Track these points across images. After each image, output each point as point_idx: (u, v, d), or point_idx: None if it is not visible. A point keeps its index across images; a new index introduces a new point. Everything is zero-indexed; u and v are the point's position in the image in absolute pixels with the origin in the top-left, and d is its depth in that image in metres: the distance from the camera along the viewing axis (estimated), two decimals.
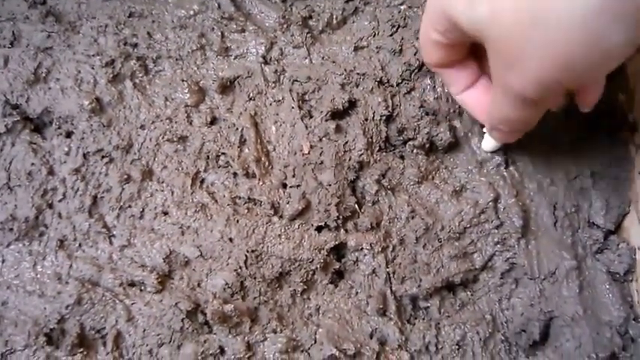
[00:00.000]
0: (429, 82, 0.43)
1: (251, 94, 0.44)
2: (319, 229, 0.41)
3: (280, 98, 0.44)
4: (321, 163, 0.41)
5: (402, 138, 0.43)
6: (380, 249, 0.41)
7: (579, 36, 0.25)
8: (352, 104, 0.43)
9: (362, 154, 0.42)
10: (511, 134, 0.37)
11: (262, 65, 0.45)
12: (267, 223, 0.40)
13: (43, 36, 0.45)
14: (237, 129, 0.43)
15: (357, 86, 0.43)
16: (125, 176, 0.42)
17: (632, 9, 0.24)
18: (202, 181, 0.42)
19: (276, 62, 0.45)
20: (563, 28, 0.25)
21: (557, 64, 0.27)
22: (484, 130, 0.42)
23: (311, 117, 0.43)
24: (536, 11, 0.25)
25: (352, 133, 0.42)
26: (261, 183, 0.42)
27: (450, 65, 0.36)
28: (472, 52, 0.36)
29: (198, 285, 0.39)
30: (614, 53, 0.26)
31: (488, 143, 0.42)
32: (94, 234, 0.41)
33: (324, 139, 0.42)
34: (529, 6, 0.26)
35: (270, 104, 0.44)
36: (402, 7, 0.45)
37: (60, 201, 0.41)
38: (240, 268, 0.39)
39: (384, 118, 0.42)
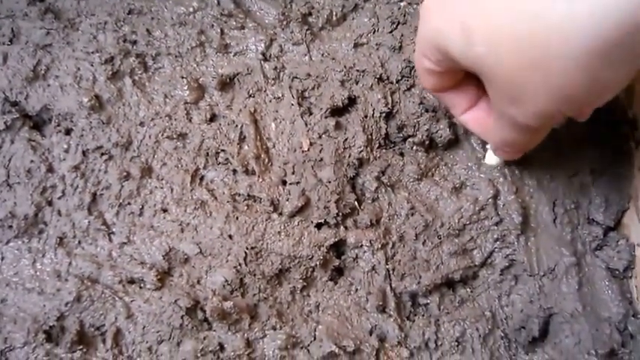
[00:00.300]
0: None
1: (251, 91, 0.44)
2: (319, 226, 0.41)
3: (280, 95, 0.44)
4: (321, 160, 0.41)
5: (401, 135, 0.43)
6: (379, 246, 0.41)
7: (579, 76, 0.25)
8: (352, 101, 0.43)
9: (362, 151, 0.42)
10: (515, 153, 0.38)
11: (262, 62, 0.45)
12: (266, 220, 0.40)
13: (42, 33, 0.45)
14: (236, 126, 0.43)
15: (357, 83, 0.43)
16: (124, 173, 0.42)
17: (632, 48, 0.24)
18: (202, 178, 0.42)
19: (275, 59, 0.45)
20: (562, 70, 0.25)
21: (559, 100, 0.27)
22: (487, 146, 0.42)
23: (311, 114, 0.43)
24: (535, 55, 0.25)
25: (352, 130, 0.42)
26: (260, 180, 0.42)
27: (447, 90, 0.36)
28: (469, 75, 0.35)
29: (198, 282, 0.39)
30: (614, 86, 0.27)
31: (492, 158, 0.42)
32: (93, 231, 0.41)
33: (323, 135, 0.42)
34: (529, 50, 0.25)
35: (270, 101, 0.44)
36: (402, 4, 0.45)
37: (59, 198, 0.41)
38: (240, 265, 0.39)
39: (383, 114, 0.42)
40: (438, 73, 0.33)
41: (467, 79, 0.35)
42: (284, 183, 0.42)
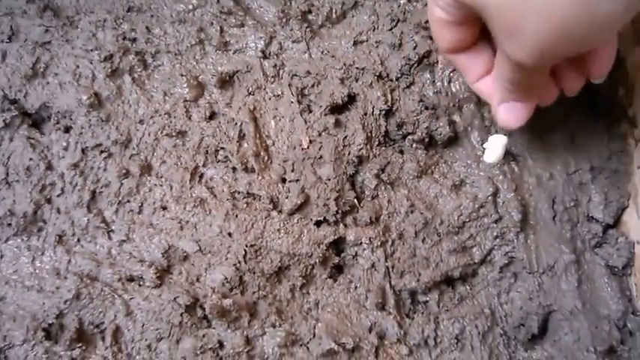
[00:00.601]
0: (428, 76, 0.43)
1: (250, 89, 0.44)
2: (318, 223, 0.41)
3: (279, 93, 0.44)
4: (321, 157, 0.41)
5: (401, 132, 0.43)
6: (379, 243, 0.41)
7: (575, 3, 0.25)
8: (351, 99, 0.43)
9: (361, 148, 0.42)
10: (518, 111, 0.36)
11: (261, 60, 0.45)
12: (266, 217, 0.40)
13: (41, 31, 0.45)
14: (236, 124, 0.43)
15: (357, 80, 0.43)
16: (124, 171, 0.42)
17: None
18: (201, 176, 0.42)
19: (275, 57, 0.45)
20: None
21: (553, 31, 0.27)
22: (484, 145, 0.42)
23: (310, 111, 0.43)
24: None
25: (351, 127, 0.42)
26: (260, 177, 0.42)
27: (462, 50, 0.36)
28: (485, 37, 0.35)
29: (197, 280, 0.39)
30: (611, 20, 0.26)
31: (491, 156, 0.42)
32: (92, 229, 0.41)
33: (323, 133, 0.42)
34: None
35: (270, 99, 0.44)
36: (402, 1, 0.45)
37: (58, 196, 0.41)
38: (239, 262, 0.39)
39: (383, 112, 0.42)
40: (451, 25, 0.33)
41: (482, 41, 0.35)
42: (283, 181, 0.42)
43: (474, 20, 0.33)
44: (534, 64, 0.29)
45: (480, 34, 0.35)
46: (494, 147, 0.41)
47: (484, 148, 0.42)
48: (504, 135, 0.42)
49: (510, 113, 0.36)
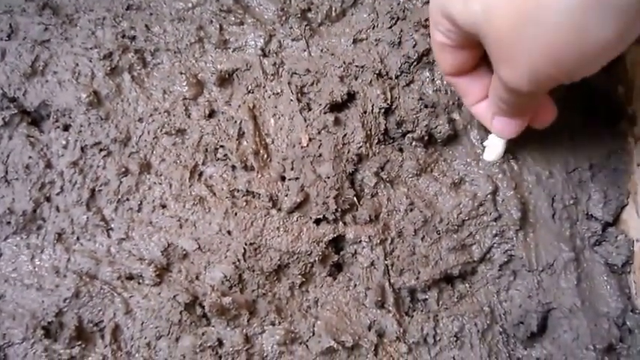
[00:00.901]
0: (428, 74, 0.43)
1: (250, 87, 0.44)
2: (318, 221, 0.41)
3: (279, 91, 0.44)
4: (320, 155, 0.41)
5: (400, 130, 0.43)
6: (378, 241, 0.41)
7: (567, 31, 0.25)
8: (351, 97, 0.43)
9: (361, 146, 0.42)
10: (512, 125, 0.37)
11: (261, 58, 0.45)
12: (265, 215, 0.40)
13: (40, 29, 0.45)
14: (235, 122, 0.43)
15: (356, 79, 0.43)
16: (123, 169, 0.42)
17: (620, 2, 0.24)
18: (200, 174, 0.42)
19: (274, 55, 0.45)
20: (551, 23, 0.25)
21: (548, 59, 0.27)
22: (484, 144, 0.42)
23: (310, 110, 0.43)
24: (526, 8, 0.26)
25: (351, 125, 0.42)
26: (259, 176, 0.42)
27: (462, 74, 0.36)
28: (486, 62, 0.36)
29: (197, 278, 0.39)
30: (603, 48, 0.26)
31: (490, 154, 0.42)
32: (92, 227, 0.41)
33: (322, 131, 0.42)
34: (521, 4, 0.26)
35: (269, 97, 0.44)
36: (401, 0, 0.45)
37: (58, 194, 0.41)
38: (239, 260, 0.39)
39: (382, 110, 0.42)
40: (453, 50, 0.34)
41: (482, 65, 0.36)
42: (283, 179, 0.42)
43: (474, 45, 0.33)
44: (529, 91, 0.30)
45: (480, 58, 0.35)
46: (494, 145, 0.41)
47: (484, 146, 0.42)
48: None
49: (504, 126, 0.37)
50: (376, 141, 0.43)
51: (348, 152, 0.42)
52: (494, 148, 0.41)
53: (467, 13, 0.29)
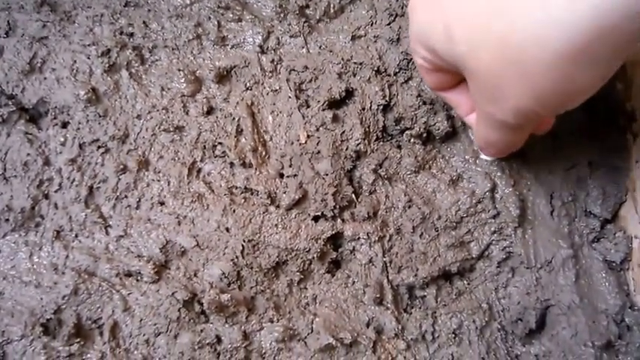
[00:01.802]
0: None
1: (248, 84, 0.44)
2: (316, 218, 0.41)
3: (277, 88, 0.44)
4: (318, 152, 0.41)
5: (399, 127, 0.43)
6: (377, 238, 0.41)
7: (552, 77, 0.26)
8: (349, 93, 0.43)
9: (359, 143, 0.42)
10: (499, 154, 0.39)
11: (259, 55, 0.45)
12: (263, 212, 0.40)
13: (38, 26, 0.45)
14: (233, 119, 0.43)
15: (355, 75, 0.43)
16: (121, 166, 0.42)
17: (603, 53, 0.25)
18: (199, 171, 0.42)
19: (273, 52, 0.45)
20: (537, 69, 0.26)
21: (533, 98, 0.28)
22: None
23: (308, 106, 0.43)
24: (512, 54, 0.26)
25: (349, 122, 0.42)
26: (257, 173, 0.42)
27: (448, 89, 0.36)
28: None
29: (195, 275, 0.39)
30: (588, 91, 0.28)
31: None
32: (90, 224, 0.41)
33: (321, 128, 0.42)
34: (505, 48, 0.26)
35: (267, 94, 0.44)
36: None
37: (56, 191, 0.41)
38: (237, 257, 0.39)
39: (381, 107, 0.42)
40: (434, 71, 0.34)
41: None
42: (281, 176, 0.42)
43: (456, 69, 0.33)
44: (515, 123, 0.31)
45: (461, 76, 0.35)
46: None
47: None
48: None
49: (492, 155, 0.39)
50: (374, 138, 0.43)
51: (347, 149, 0.42)
52: None
53: (452, 51, 0.29)
